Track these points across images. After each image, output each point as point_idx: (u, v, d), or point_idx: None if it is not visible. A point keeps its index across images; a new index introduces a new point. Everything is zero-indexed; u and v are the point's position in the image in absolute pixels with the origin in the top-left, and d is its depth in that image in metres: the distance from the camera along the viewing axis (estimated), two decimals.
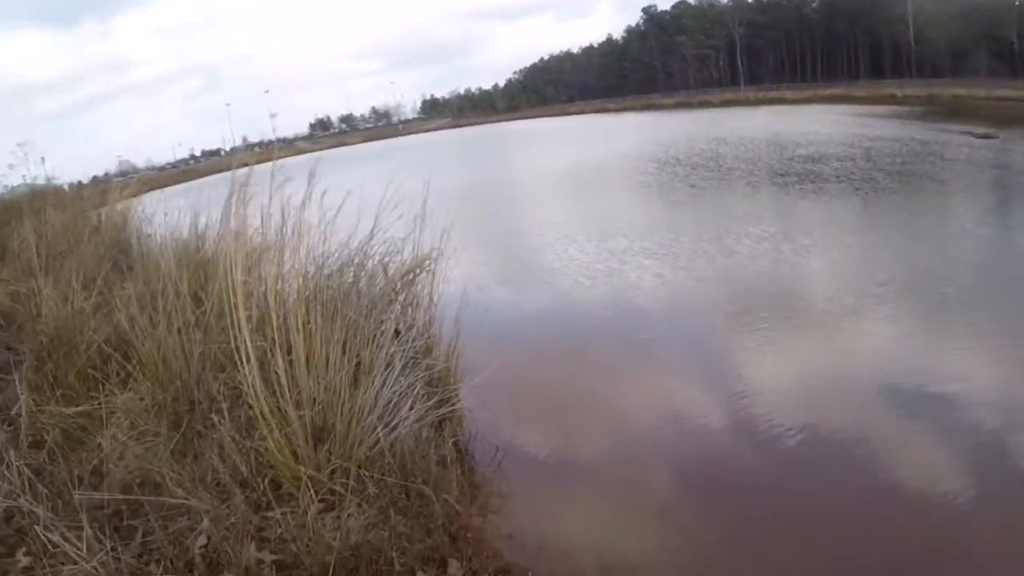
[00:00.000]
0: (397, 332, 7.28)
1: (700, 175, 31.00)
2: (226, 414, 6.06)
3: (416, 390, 6.51)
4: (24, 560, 4.95)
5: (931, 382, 9.03)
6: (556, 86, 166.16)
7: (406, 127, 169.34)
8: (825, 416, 8.34)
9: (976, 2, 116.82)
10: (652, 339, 11.53)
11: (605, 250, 17.43)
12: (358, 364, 6.35)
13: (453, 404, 7.14)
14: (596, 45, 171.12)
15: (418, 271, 8.23)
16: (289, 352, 6.02)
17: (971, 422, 7.91)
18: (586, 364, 10.55)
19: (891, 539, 6.11)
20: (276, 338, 5.86)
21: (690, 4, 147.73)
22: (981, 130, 42.61)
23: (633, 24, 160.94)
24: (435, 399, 6.81)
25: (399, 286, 8.05)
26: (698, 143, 46.47)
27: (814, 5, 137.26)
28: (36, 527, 4.91)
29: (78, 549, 4.72)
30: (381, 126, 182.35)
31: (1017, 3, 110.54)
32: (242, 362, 5.83)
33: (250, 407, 5.94)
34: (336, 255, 7.87)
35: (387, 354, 6.56)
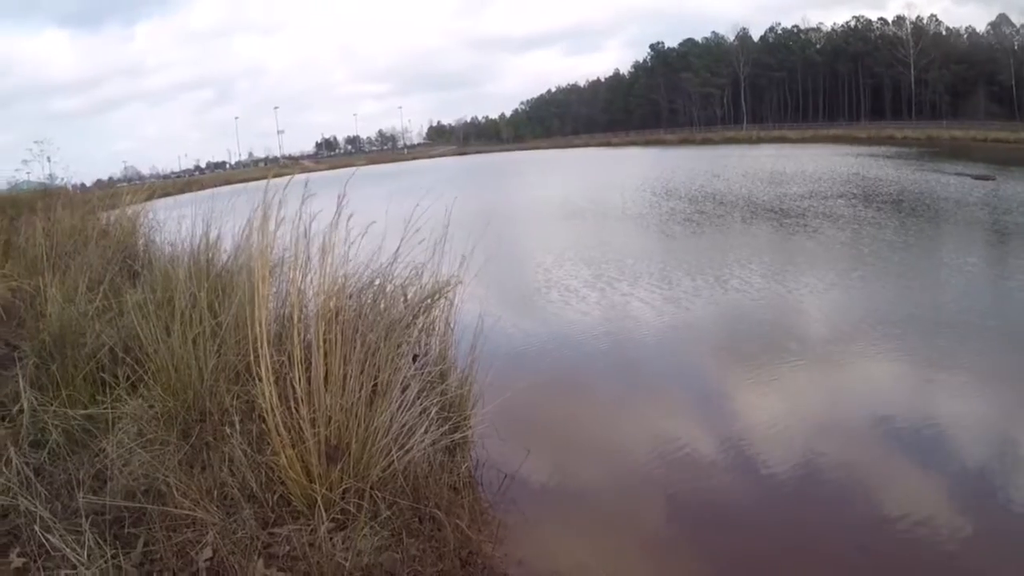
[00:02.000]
0: (415, 357, 7.30)
1: (702, 210, 31.27)
2: (238, 427, 6.01)
3: (431, 415, 6.48)
4: (17, 561, 4.89)
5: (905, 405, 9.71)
6: (561, 118, 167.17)
7: (411, 152, 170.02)
8: (822, 449, 8.58)
9: (975, 46, 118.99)
10: (657, 370, 11.80)
11: (609, 282, 17.69)
12: (375, 386, 6.32)
13: (465, 431, 7.13)
14: (603, 79, 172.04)
15: (436, 297, 8.22)
16: (307, 369, 5.98)
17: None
18: (593, 396, 10.64)
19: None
20: (295, 354, 5.82)
21: (697, 42, 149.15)
22: (978, 171, 43.25)
23: (640, 60, 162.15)
24: (449, 425, 6.79)
25: (418, 311, 8.02)
26: (698, 179, 47.01)
27: (818, 47, 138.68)
28: (34, 527, 4.86)
29: (78, 553, 4.68)
30: (387, 149, 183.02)
31: (1016, 48, 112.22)
32: (259, 376, 5.77)
33: (263, 421, 5.88)
34: (358, 276, 7.86)
35: (404, 378, 6.54)
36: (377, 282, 7.99)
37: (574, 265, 19.81)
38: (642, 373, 11.70)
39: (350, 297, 7.32)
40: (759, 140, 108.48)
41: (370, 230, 7.80)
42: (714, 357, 12.56)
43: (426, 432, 6.32)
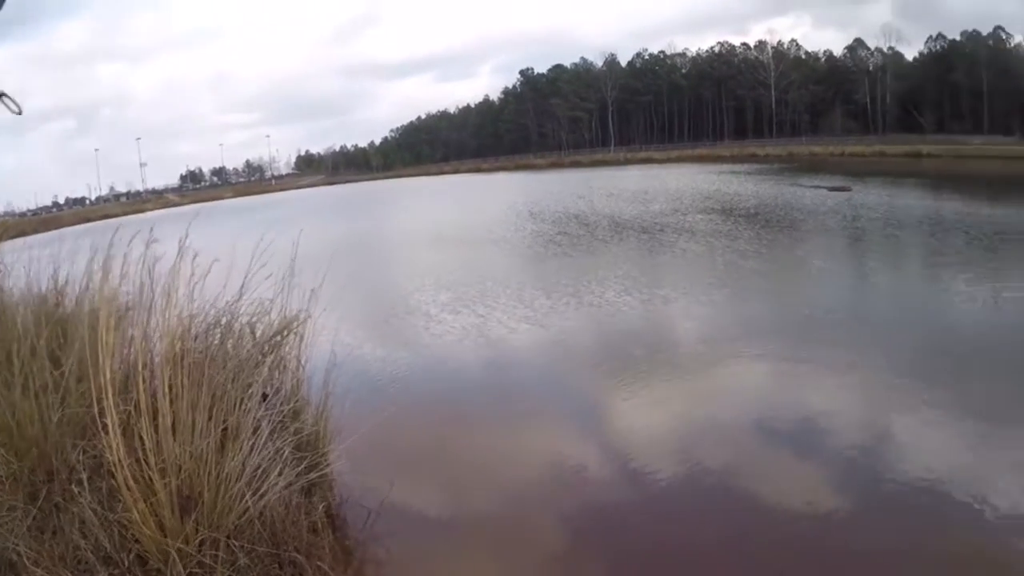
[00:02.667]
0: (264, 396, 7.09)
1: (565, 231, 31.56)
2: (87, 485, 5.73)
3: (284, 455, 6.31)
4: None
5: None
6: (431, 145, 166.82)
7: (279, 182, 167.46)
8: (686, 448, 8.96)
9: (833, 68, 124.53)
10: (515, 389, 11.85)
11: (468, 304, 17.81)
12: (225, 429, 6.15)
13: (323, 468, 6.96)
14: (473, 105, 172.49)
15: (286, 332, 8.01)
16: (155, 417, 5.77)
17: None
18: (454, 419, 10.60)
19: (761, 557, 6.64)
20: (141, 402, 5.63)
21: (566, 68, 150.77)
22: (835, 183, 44.92)
23: (510, 86, 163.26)
24: (304, 464, 6.61)
25: (266, 348, 7.81)
26: (564, 201, 47.56)
27: (684, 71, 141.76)
28: None
29: None
30: (254, 180, 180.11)
31: (871, 68, 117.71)
32: (105, 428, 5.54)
33: (112, 476, 5.63)
34: (203, 316, 7.63)
35: (255, 419, 6.38)
36: (224, 320, 7.76)
37: (434, 290, 19.80)
38: (501, 393, 11.75)
39: (196, 338, 7.10)
40: (627, 162, 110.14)
41: (218, 267, 7.62)
42: (568, 371, 12.76)
43: (280, 474, 6.14)
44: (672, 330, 14.95)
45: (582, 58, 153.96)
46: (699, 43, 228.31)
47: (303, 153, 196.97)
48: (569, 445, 9.37)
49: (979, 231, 24.91)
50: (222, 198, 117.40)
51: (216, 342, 7.36)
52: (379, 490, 7.56)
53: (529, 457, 9.07)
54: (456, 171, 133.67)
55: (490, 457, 9.18)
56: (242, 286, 7.89)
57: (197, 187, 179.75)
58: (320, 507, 6.73)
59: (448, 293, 19.22)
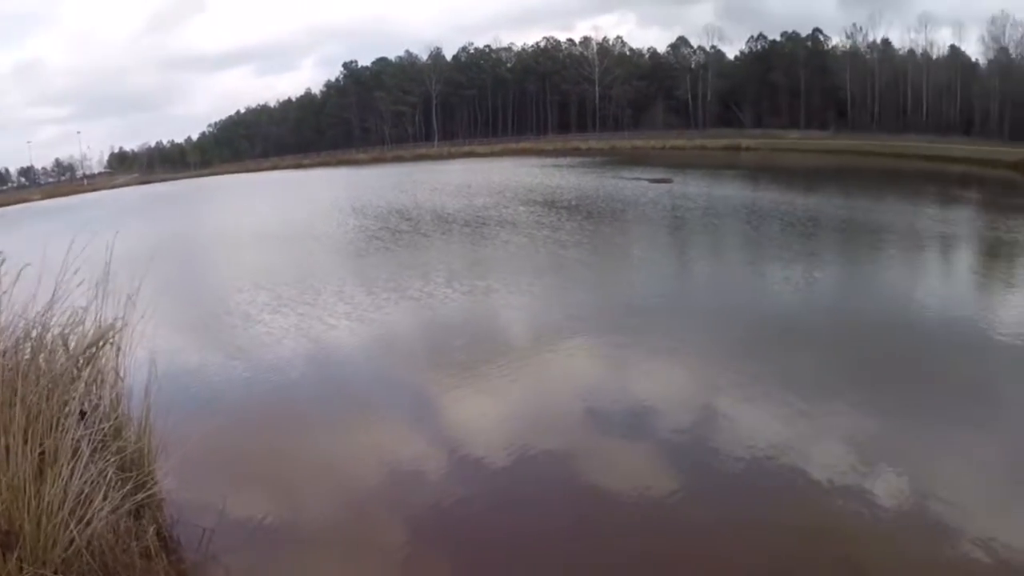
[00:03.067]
0: (83, 413, 6.54)
1: (388, 226, 31.28)
2: None
3: (108, 477, 5.87)
4: None
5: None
6: (251, 140, 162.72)
7: (91, 182, 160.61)
8: (519, 436, 9.08)
9: (656, 65, 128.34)
10: (345, 388, 11.70)
11: (288, 303, 17.50)
12: (42, 453, 5.64)
13: (150, 488, 6.51)
14: (294, 99, 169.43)
15: (102, 343, 7.42)
16: None
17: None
18: (283, 423, 10.27)
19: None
20: None
21: (390, 61, 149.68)
22: (657, 175, 46.03)
23: (333, 79, 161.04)
24: (130, 485, 6.15)
25: (82, 361, 7.21)
26: (387, 195, 47.36)
27: (509, 65, 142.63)
28: None
29: None
30: (64, 180, 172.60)
31: (692, 66, 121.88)
32: None
33: None
34: (12, 328, 7.00)
35: (73, 439, 5.87)
36: (35, 333, 7.09)
37: (253, 291, 19.16)
38: (329, 393, 11.52)
39: (4, 354, 6.47)
40: (449, 156, 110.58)
41: (27, 274, 7.07)
42: (393, 366, 12.77)
43: (106, 498, 5.70)
44: (495, 320, 15.21)
45: (407, 51, 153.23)
46: (525, 38, 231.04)
47: (117, 150, 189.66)
48: (401, 442, 9.31)
49: (793, 218, 26.38)
50: (29, 200, 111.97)
51: (27, 357, 6.72)
52: (213, 506, 7.18)
53: (364, 457, 8.93)
54: (276, 167, 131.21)
55: (325, 460, 8.90)
56: (53, 294, 7.28)
57: (3, 189, 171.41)
58: (151, 530, 6.26)
59: (268, 293, 18.73)
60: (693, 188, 40.53)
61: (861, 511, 7.03)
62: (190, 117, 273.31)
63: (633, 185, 42.42)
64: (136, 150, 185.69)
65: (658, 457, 8.43)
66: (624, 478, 7.86)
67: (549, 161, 77.83)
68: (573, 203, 35.36)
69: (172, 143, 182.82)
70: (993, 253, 21.15)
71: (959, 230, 25.30)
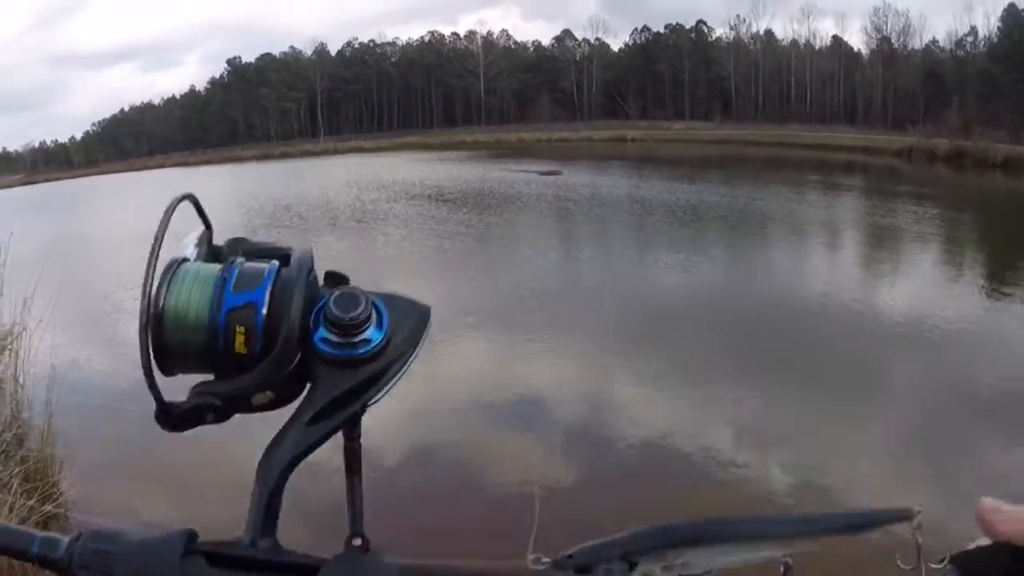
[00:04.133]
0: None
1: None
2: None
3: (14, 488, 5.68)
4: None
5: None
6: (136, 138, 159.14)
7: None
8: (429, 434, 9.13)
9: (541, 58, 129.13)
10: None
11: None
12: None
13: (57, 499, 6.33)
14: (178, 96, 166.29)
15: None
16: None
17: None
18: None
19: None
20: None
21: (275, 57, 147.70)
22: (546, 168, 46.24)
23: (217, 76, 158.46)
24: (36, 497, 5.97)
25: None
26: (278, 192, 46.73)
27: (394, 60, 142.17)
28: None
29: None
30: None
31: (577, 58, 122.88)
32: None
33: None
34: None
35: None
36: None
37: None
38: None
39: None
40: (336, 151, 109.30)
41: None
42: None
43: (12, 511, 5.51)
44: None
45: (291, 47, 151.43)
46: (409, 32, 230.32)
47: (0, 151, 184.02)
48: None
49: (676, 206, 26.83)
50: None
51: None
52: (120, 515, 6.97)
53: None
54: (162, 165, 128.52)
55: (235, 459, 8.67)
56: None
57: None
58: None
59: None
60: (582, 179, 40.98)
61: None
62: (74, 116, 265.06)
63: (523, 177, 42.62)
64: (19, 150, 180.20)
65: (549, 449, 8.44)
66: (505, 469, 7.90)
67: (435, 155, 77.77)
68: (458, 196, 35.51)
69: (56, 143, 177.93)
70: (874, 238, 21.89)
71: (842, 216, 26.11)
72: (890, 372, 11.00)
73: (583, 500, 6.96)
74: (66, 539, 0.84)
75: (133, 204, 55.68)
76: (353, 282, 0.90)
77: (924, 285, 16.33)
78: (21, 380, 7.34)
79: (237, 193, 48.81)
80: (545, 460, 8.10)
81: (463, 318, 13.72)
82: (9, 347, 7.30)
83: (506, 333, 13.20)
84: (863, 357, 11.33)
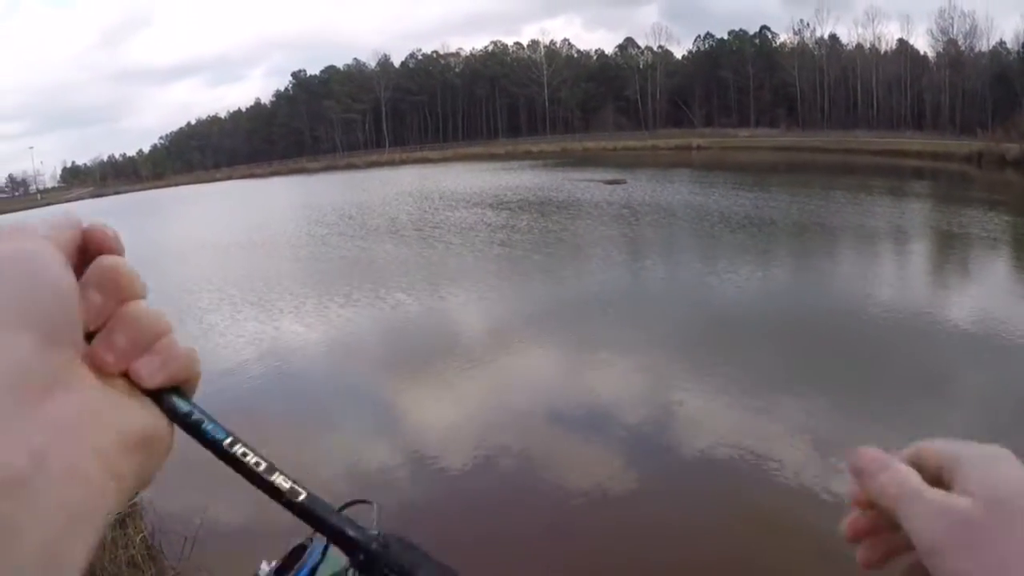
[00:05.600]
0: None
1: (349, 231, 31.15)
2: None
3: None
4: None
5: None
6: (203, 151, 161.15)
7: (45, 197, 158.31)
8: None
9: (604, 66, 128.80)
10: (318, 388, 11.98)
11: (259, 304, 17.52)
12: None
13: (132, 498, 6.44)
14: (244, 110, 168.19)
15: None
16: None
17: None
18: (262, 425, 10.10)
19: None
20: None
21: (339, 69, 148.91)
22: (610, 176, 46.23)
23: (282, 88, 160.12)
24: None
25: None
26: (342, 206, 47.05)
27: (457, 70, 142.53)
28: None
29: None
30: (18, 196, 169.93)
31: (640, 67, 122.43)
32: None
33: None
34: None
35: None
36: None
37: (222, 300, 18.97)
38: (300, 392, 11.76)
39: None
40: (402, 162, 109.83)
41: None
42: (352, 362, 12.88)
43: None
44: (470, 322, 15.20)
45: (355, 59, 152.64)
46: (472, 43, 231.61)
47: (70, 165, 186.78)
48: (376, 444, 9.33)
49: (746, 214, 26.57)
50: None
51: None
52: (192, 514, 7.13)
53: (344, 457, 8.97)
54: (229, 178, 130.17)
55: (302, 461, 8.75)
56: None
57: None
58: (137, 539, 6.26)
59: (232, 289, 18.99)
60: (647, 187, 40.82)
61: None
62: (141, 130, 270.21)
63: (586, 187, 42.62)
64: (89, 164, 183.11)
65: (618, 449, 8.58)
66: (585, 474, 7.91)
67: (501, 165, 77.85)
68: (532, 204, 35.61)
69: (124, 156, 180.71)
70: (947, 247, 21.52)
71: (916, 224, 25.71)
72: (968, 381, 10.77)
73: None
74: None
75: (203, 217, 56.68)
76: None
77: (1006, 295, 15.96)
78: None
79: (308, 203, 49.32)
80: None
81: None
82: None
83: (587, 341, 13.16)
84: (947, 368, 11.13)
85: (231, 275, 22.57)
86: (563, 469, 8.06)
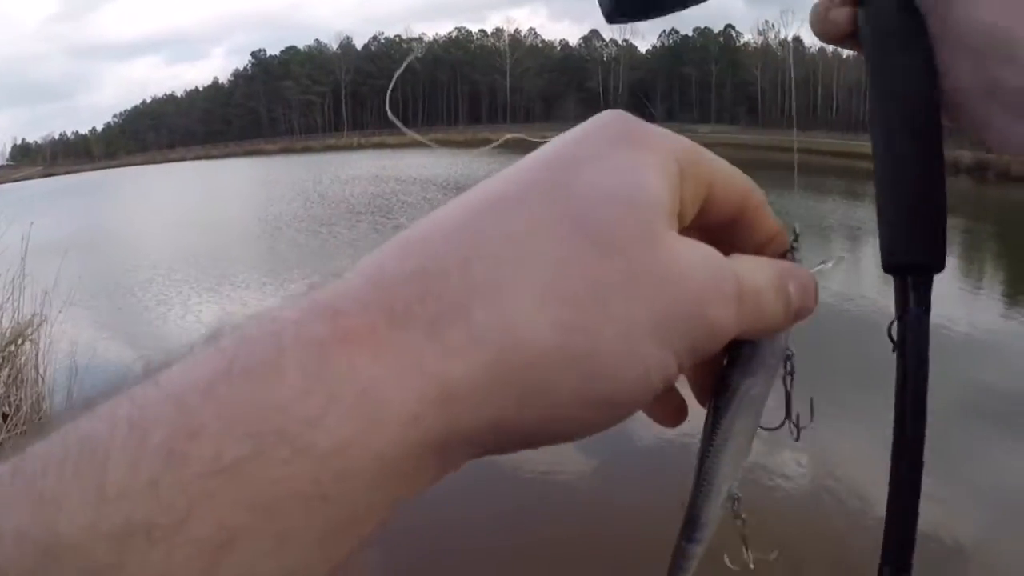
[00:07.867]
0: (4, 416, 6.23)
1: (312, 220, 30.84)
2: None
3: None
4: None
5: None
6: (158, 131, 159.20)
7: None
8: None
9: (568, 57, 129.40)
10: None
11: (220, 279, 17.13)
12: None
13: None
14: (201, 88, 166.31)
15: (20, 341, 7.07)
16: None
17: None
18: None
19: None
20: None
21: (299, 50, 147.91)
22: None
23: (241, 68, 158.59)
24: None
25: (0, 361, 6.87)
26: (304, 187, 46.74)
27: (419, 55, 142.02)
28: None
29: None
30: None
31: (604, 59, 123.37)
32: None
33: None
34: None
35: None
36: None
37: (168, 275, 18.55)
38: None
39: None
40: (359, 146, 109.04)
41: None
42: None
43: None
44: None
45: (316, 40, 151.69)
46: (436, 29, 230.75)
47: (20, 142, 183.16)
48: None
49: None
50: None
51: None
52: None
53: None
54: (183, 159, 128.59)
55: None
56: None
57: None
58: None
59: (184, 271, 18.54)
60: None
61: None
62: (97, 107, 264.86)
63: None
64: (40, 142, 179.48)
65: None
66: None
67: (459, 152, 77.80)
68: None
69: (76, 134, 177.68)
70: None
71: (866, 223, 25.85)
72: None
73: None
74: None
75: (157, 200, 55.99)
76: None
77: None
78: (42, 371, 7.22)
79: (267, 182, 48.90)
80: None
81: None
82: (31, 338, 7.16)
83: None
84: None
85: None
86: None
